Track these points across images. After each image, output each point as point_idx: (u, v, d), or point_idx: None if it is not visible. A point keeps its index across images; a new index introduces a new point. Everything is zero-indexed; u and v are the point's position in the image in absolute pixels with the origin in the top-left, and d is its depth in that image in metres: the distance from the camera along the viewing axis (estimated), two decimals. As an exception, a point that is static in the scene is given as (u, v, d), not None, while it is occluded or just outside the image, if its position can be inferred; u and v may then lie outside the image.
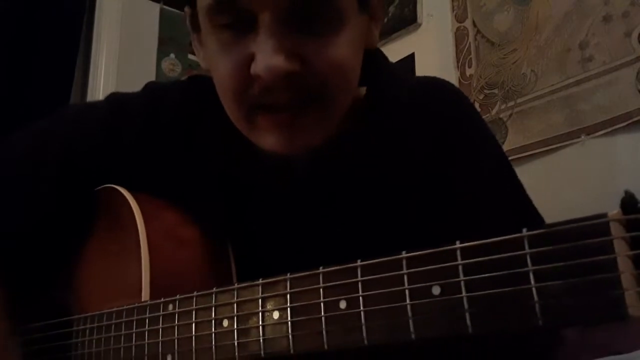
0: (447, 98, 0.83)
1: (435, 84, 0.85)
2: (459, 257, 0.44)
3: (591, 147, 1.78)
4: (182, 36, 2.89)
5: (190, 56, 2.93)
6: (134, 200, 0.78)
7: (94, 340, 0.74)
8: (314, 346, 0.52)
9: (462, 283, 0.44)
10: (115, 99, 0.87)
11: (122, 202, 0.79)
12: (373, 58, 0.80)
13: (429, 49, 2.40)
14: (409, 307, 0.46)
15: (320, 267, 0.53)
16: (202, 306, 0.61)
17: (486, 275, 0.43)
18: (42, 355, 0.82)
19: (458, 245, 0.45)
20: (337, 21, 0.66)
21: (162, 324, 0.65)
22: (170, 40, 2.91)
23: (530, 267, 0.41)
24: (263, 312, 0.56)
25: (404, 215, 0.76)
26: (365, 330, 0.49)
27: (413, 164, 0.78)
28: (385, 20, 2.55)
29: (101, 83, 2.64)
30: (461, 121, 0.81)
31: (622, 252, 0.37)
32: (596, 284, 0.37)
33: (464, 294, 0.44)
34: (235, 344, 0.58)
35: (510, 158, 0.85)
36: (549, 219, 0.76)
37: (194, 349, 0.61)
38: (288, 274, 0.55)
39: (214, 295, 0.61)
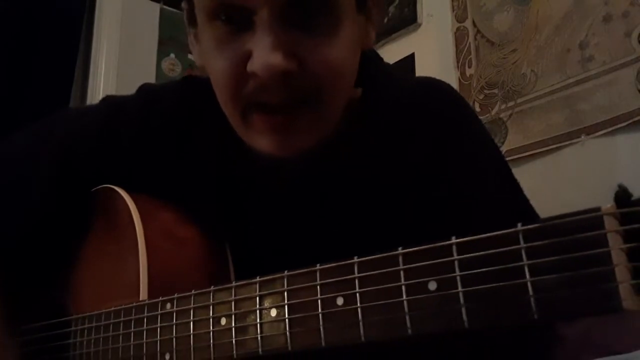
0: (443, 98, 0.82)
1: (431, 85, 0.84)
2: (454, 253, 0.44)
3: (591, 147, 1.78)
4: (182, 36, 2.88)
5: (190, 56, 2.93)
6: (132, 200, 0.78)
7: (93, 340, 0.74)
8: (312, 343, 0.52)
9: (458, 278, 0.44)
10: (111, 102, 0.88)
11: (119, 202, 0.79)
12: (368, 59, 0.79)
13: (429, 49, 2.41)
14: (405, 302, 0.46)
15: (317, 265, 0.53)
16: (200, 305, 0.62)
17: (482, 270, 0.43)
18: (40, 355, 0.82)
19: (454, 240, 0.45)
20: (335, 20, 0.66)
21: (160, 323, 0.65)
22: (170, 40, 2.91)
23: (525, 261, 0.41)
24: (261, 310, 0.56)
25: (400, 216, 0.76)
26: (363, 326, 0.49)
27: (409, 165, 0.77)
28: (385, 20, 2.55)
29: (101, 83, 2.64)
30: (457, 122, 0.80)
31: (616, 245, 0.37)
32: (590, 277, 0.38)
33: (459, 289, 0.44)
34: (233, 342, 0.58)
35: (510, 158, 0.85)
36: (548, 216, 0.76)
37: (192, 348, 0.61)
38: (285, 272, 0.55)
39: (211, 294, 0.61)
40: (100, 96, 0.91)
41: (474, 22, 2.23)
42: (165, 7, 2.94)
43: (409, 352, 0.59)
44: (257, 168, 0.77)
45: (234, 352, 0.57)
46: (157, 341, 0.65)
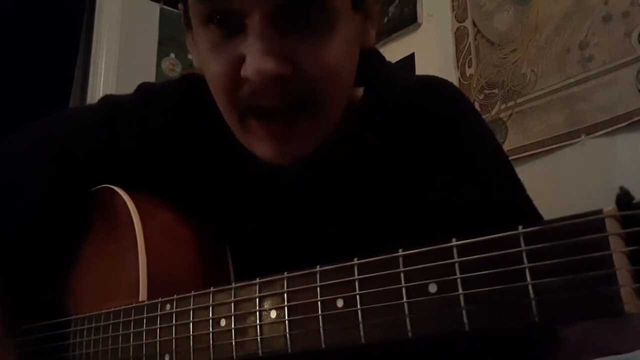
0: (444, 96, 0.81)
1: (433, 83, 0.83)
2: (455, 255, 0.44)
3: (591, 147, 1.78)
4: (182, 36, 2.85)
5: (190, 56, 2.93)
6: (131, 200, 0.78)
7: (92, 341, 0.74)
8: (312, 345, 0.52)
9: (459, 280, 0.44)
10: (110, 101, 0.87)
11: (119, 202, 0.79)
12: (369, 58, 0.79)
13: (429, 49, 2.40)
14: (405, 305, 0.46)
15: (317, 266, 0.53)
16: (200, 306, 0.61)
17: (482, 272, 0.43)
18: (40, 356, 0.82)
19: (454, 242, 0.45)
20: (329, 21, 0.64)
21: (159, 324, 0.65)
22: (170, 40, 2.91)
23: (526, 264, 0.40)
24: (260, 311, 0.56)
25: (402, 216, 0.76)
26: (363, 328, 0.49)
27: (411, 164, 0.77)
28: (385, 20, 2.55)
29: (101, 83, 2.64)
30: (460, 120, 0.79)
31: (617, 248, 0.37)
32: (592, 280, 0.37)
33: (460, 291, 0.43)
34: (233, 343, 0.57)
35: (510, 158, 0.84)
36: (549, 219, 0.76)
37: (191, 349, 0.61)
38: (285, 273, 0.55)
39: (211, 295, 0.61)
40: (100, 96, 0.90)
41: (474, 22, 2.23)
42: (165, 7, 2.93)
43: (410, 353, 0.59)
44: (257, 168, 0.77)
45: (234, 353, 0.57)
46: (156, 342, 0.65)
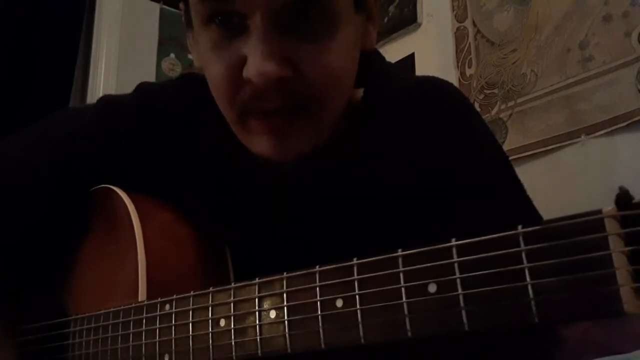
0: (445, 97, 0.81)
1: (433, 83, 0.83)
2: (454, 255, 0.44)
3: (591, 147, 1.78)
4: (182, 36, 2.87)
5: (190, 56, 2.93)
6: (130, 200, 0.78)
7: (92, 341, 0.74)
8: (311, 345, 0.52)
9: (458, 280, 0.44)
10: (109, 101, 0.87)
11: (118, 202, 0.79)
12: (370, 59, 0.79)
13: (429, 49, 2.40)
14: (405, 305, 0.46)
15: (317, 266, 0.53)
16: (199, 306, 0.61)
17: (482, 272, 0.42)
18: (40, 356, 0.82)
19: (454, 242, 0.45)
20: (331, 24, 0.64)
21: (159, 324, 0.65)
22: (170, 40, 2.91)
23: (525, 264, 0.40)
24: (260, 312, 0.56)
25: (402, 216, 0.75)
26: (362, 328, 0.49)
27: (411, 165, 0.77)
28: (385, 20, 2.55)
29: (101, 83, 2.64)
30: (459, 121, 0.79)
31: (616, 248, 0.37)
32: (591, 280, 0.37)
33: (459, 291, 0.43)
34: (233, 343, 0.57)
35: (510, 158, 0.84)
36: (549, 219, 0.76)
37: (191, 349, 0.61)
38: (284, 273, 0.55)
39: (210, 295, 0.61)
40: (100, 96, 0.91)
41: (474, 22, 2.23)
42: (165, 7, 2.93)
43: (409, 354, 0.59)
44: (257, 168, 0.76)
45: (234, 353, 0.57)
46: (156, 342, 0.65)
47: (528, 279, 0.40)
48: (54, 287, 0.86)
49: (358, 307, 0.49)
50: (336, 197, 0.77)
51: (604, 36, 1.79)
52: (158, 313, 0.65)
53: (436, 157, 0.76)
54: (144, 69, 2.79)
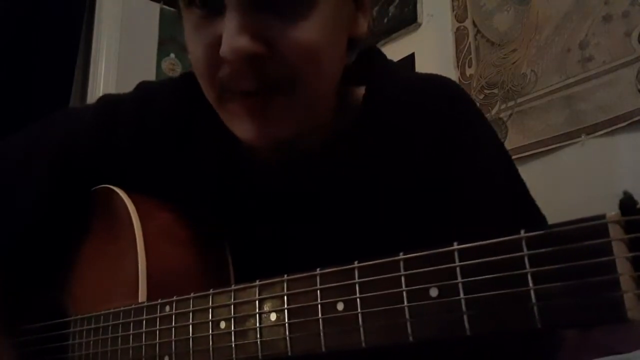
0: (448, 95, 0.80)
1: (435, 81, 0.82)
2: (456, 259, 0.44)
3: (591, 147, 1.78)
4: (182, 36, 2.87)
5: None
6: (130, 201, 0.78)
7: (91, 342, 0.74)
8: (312, 348, 0.52)
9: (460, 285, 0.43)
10: (108, 101, 0.87)
11: (118, 203, 0.79)
12: (371, 57, 0.79)
13: (429, 49, 2.40)
14: (406, 309, 0.46)
15: (318, 269, 0.53)
16: (199, 308, 0.61)
17: (484, 277, 0.42)
18: (39, 356, 0.82)
19: (456, 246, 0.44)
20: (308, 2, 0.63)
21: (159, 326, 0.65)
22: (170, 40, 2.91)
23: (528, 268, 0.40)
24: (260, 314, 0.56)
25: (404, 216, 0.75)
26: (363, 332, 0.48)
27: (413, 164, 0.76)
28: (385, 20, 2.55)
29: (101, 83, 2.64)
30: (461, 119, 0.78)
31: (620, 253, 0.37)
32: (595, 286, 0.37)
33: (461, 295, 0.43)
34: (233, 345, 0.57)
35: (510, 158, 0.84)
36: (549, 219, 0.76)
37: (191, 351, 0.61)
38: (285, 276, 0.55)
39: (210, 297, 0.60)
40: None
41: (474, 22, 2.23)
42: (165, 7, 2.93)
43: (410, 355, 0.58)
44: (257, 166, 0.76)
45: (234, 356, 0.57)
46: (156, 344, 0.64)
47: (531, 284, 0.40)
48: (54, 287, 0.86)
49: (359, 310, 0.49)
50: (337, 197, 0.76)
51: (604, 36, 1.79)
52: (158, 314, 0.65)
53: (438, 156, 0.76)
54: (144, 69, 2.79)
